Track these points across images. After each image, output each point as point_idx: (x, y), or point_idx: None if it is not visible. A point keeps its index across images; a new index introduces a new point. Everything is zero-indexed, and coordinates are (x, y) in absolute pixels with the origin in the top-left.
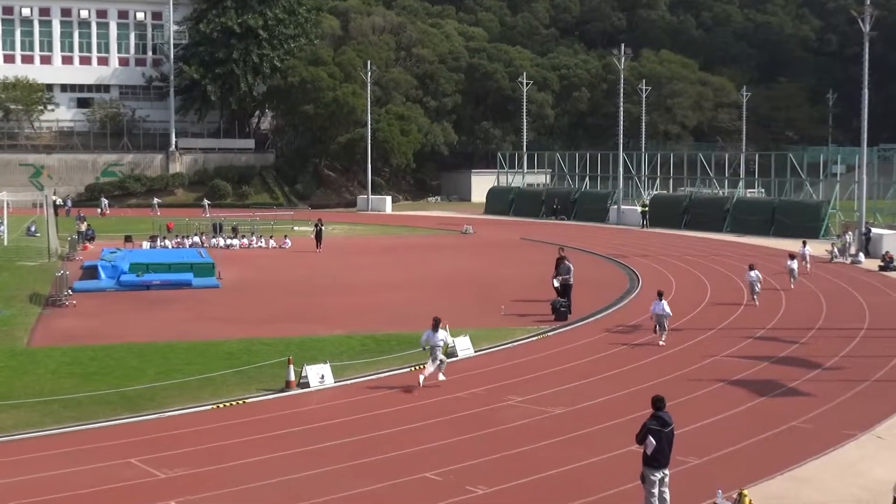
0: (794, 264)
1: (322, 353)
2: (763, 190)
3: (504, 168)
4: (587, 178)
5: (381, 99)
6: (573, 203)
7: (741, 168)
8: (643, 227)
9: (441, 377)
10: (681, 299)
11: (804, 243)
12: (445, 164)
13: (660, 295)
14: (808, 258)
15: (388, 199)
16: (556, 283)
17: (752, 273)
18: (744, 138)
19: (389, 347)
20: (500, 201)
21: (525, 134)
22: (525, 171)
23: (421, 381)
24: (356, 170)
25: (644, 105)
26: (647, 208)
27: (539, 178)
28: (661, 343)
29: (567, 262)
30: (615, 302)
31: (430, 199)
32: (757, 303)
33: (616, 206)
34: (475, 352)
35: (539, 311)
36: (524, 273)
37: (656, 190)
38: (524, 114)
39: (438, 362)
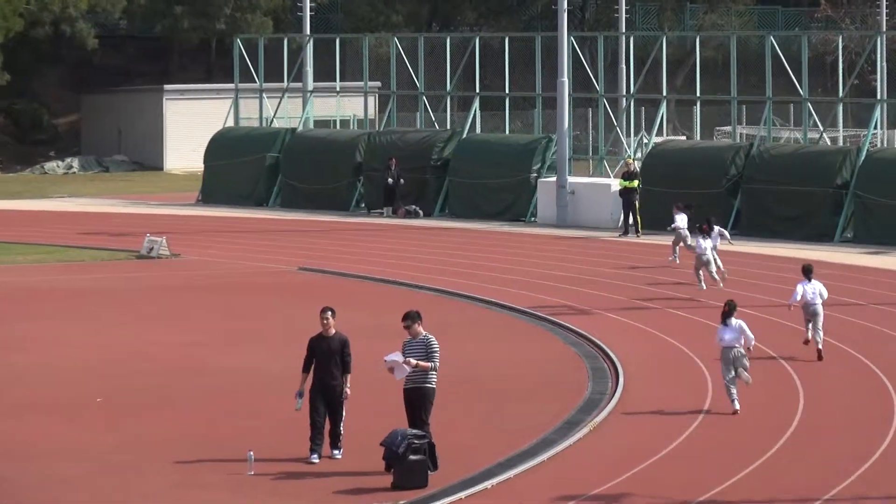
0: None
1: None
2: None
3: (256, 82)
4: (476, 107)
5: None
6: (440, 168)
7: (880, 79)
8: (627, 231)
9: (736, 405)
10: (745, 435)
11: (707, 227)
12: (91, 75)
13: (807, 272)
14: (713, 253)
15: None
16: (400, 368)
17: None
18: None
19: None
20: (241, 171)
21: None
22: (311, 88)
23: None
24: None
25: None
26: (636, 182)
27: (351, 107)
28: (818, 347)
29: (420, 330)
30: (555, 436)
31: (48, 165)
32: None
33: (555, 180)
34: None
35: (349, 466)
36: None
37: (662, 135)
38: None
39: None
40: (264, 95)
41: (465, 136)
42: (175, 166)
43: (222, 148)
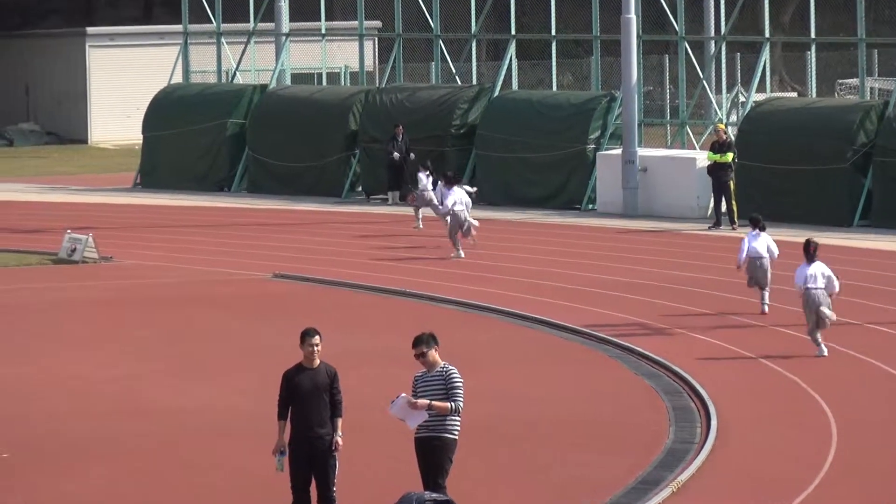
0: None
1: None
2: None
3: (212, 23)
4: (511, 54)
5: None
6: (464, 138)
7: None
8: (719, 221)
9: (823, 350)
10: None
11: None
12: None
13: (755, 223)
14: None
15: None
16: (414, 413)
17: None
18: None
19: None
20: (194, 144)
21: None
22: (286, 31)
23: None
24: None
25: None
26: (730, 156)
27: (342, 55)
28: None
29: (437, 360)
30: (626, 499)
31: None
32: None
33: (620, 153)
34: None
35: None
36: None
37: (765, 91)
38: None
39: None
40: (223, 41)
41: (496, 94)
42: (104, 138)
43: (168, 112)
